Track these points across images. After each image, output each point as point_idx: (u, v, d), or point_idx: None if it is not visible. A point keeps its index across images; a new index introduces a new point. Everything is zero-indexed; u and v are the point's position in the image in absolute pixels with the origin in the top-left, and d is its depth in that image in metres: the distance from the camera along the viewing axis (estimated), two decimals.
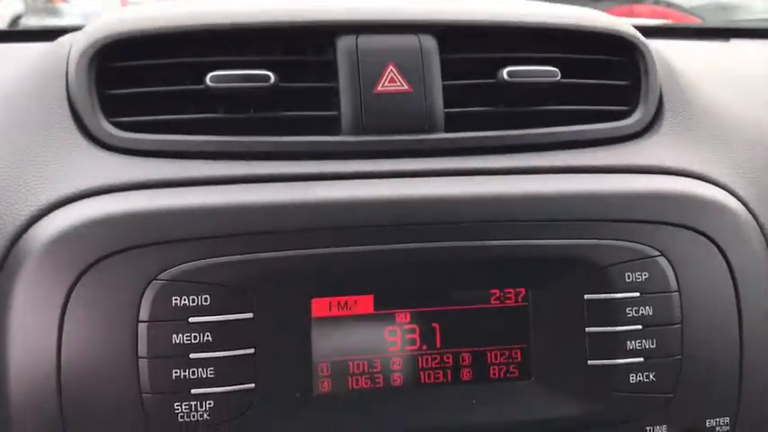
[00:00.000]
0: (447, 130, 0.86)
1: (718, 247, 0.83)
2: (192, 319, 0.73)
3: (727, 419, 0.83)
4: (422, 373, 0.79)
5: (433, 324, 0.79)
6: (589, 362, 0.79)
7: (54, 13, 3.78)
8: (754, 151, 0.94)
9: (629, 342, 0.80)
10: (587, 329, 0.80)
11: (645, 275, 0.80)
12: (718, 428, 0.83)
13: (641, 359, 0.80)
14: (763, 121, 1.00)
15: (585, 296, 0.80)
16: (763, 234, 0.87)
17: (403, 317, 0.79)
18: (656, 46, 0.98)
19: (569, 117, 0.91)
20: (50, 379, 0.72)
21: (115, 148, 0.82)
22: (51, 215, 0.76)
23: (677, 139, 0.92)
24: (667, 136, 0.92)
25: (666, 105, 0.95)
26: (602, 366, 0.80)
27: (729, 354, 0.83)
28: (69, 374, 0.73)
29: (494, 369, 0.80)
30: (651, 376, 0.80)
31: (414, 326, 0.79)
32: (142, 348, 0.73)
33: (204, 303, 0.73)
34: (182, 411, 0.73)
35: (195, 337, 0.73)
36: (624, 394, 0.80)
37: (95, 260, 0.73)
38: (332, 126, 0.85)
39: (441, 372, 0.79)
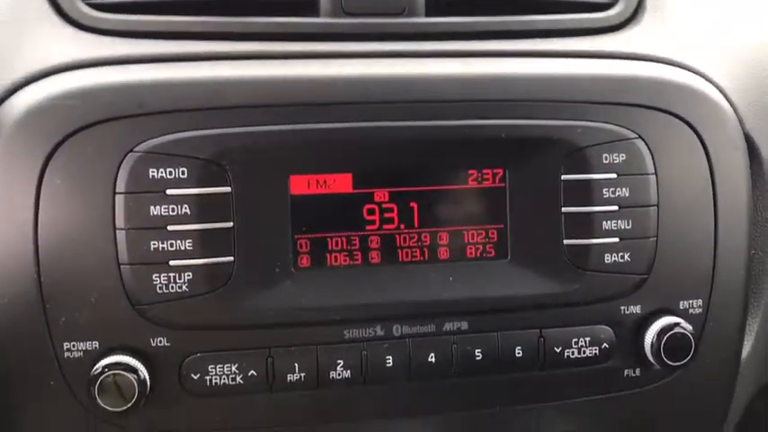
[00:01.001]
0: (428, 15, 0.86)
1: (696, 131, 0.84)
2: (169, 191, 0.73)
3: (700, 302, 0.84)
4: (399, 251, 0.80)
5: (411, 204, 0.80)
6: (565, 242, 0.80)
7: None
8: (733, 43, 0.94)
9: (604, 222, 0.81)
10: (563, 210, 0.80)
11: (622, 157, 0.81)
12: (691, 310, 0.84)
13: (617, 240, 0.81)
14: (743, 16, 1.00)
15: (562, 177, 0.80)
16: (741, 122, 0.88)
17: (381, 196, 0.79)
18: None
19: (552, 7, 0.90)
20: (28, 252, 0.73)
21: (91, 28, 0.81)
22: (27, 88, 0.75)
23: (657, 31, 0.92)
24: (648, 28, 0.92)
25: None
26: (577, 246, 0.81)
27: (704, 237, 0.84)
28: (47, 247, 0.73)
29: (470, 249, 0.81)
30: (626, 257, 0.81)
31: (392, 205, 0.79)
32: (119, 220, 0.73)
33: (181, 176, 0.73)
34: (160, 283, 0.74)
35: (173, 209, 0.74)
36: (599, 274, 0.81)
37: (72, 132, 0.72)
38: (310, 9, 0.84)
39: (418, 251, 0.80)
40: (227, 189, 0.75)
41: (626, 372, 0.83)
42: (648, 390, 0.84)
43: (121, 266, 0.73)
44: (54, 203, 0.73)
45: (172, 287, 0.74)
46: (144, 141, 0.73)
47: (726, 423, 0.90)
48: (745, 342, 0.91)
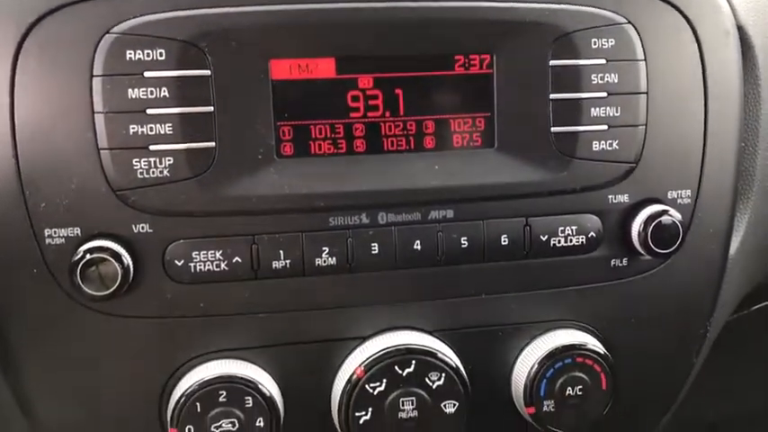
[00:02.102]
0: None
1: (687, 19, 0.82)
2: (147, 74, 0.72)
3: (688, 192, 0.84)
4: (385, 140, 0.78)
5: (397, 90, 0.78)
6: (552, 129, 0.79)
7: None
8: None
9: (593, 109, 0.79)
10: (551, 96, 0.79)
11: (611, 42, 0.79)
12: (679, 200, 0.84)
13: (605, 127, 0.80)
14: None
15: (550, 62, 0.78)
16: (734, 12, 0.86)
17: (366, 82, 0.77)
18: None
19: None
20: (5, 138, 0.71)
21: None
22: None
23: None
24: None
25: None
26: (565, 134, 0.79)
27: (694, 126, 0.83)
28: (24, 133, 0.72)
29: (457, 137, 0.79)
30: (614, 145, 0.80)
31: (377, 92, 0.78)
32: (97, 104, 0.71)
33: (160, 58, 0.72)
34: (141, 168, 0.72)
35: (152, 92, 0.72)
36: (586, 162, 0.80)
37: (45, 13, 0.70)
38: None
39: (404, 139, 0.79)
40: (207, 72, 0.73)
41: (613, 262, 0.83)
42: (635, 280, 0.84)
43: (101, 151, 0.72)
44: (30, 88, 0.71)
45: (153, 172, 0.73)
46: (120, 22, 0.71)
47: (711, 322, 0.90)
48: (734, 238, 0.92)
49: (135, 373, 0.77)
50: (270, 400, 0.75)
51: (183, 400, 0.74)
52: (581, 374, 0.81)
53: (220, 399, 0.74)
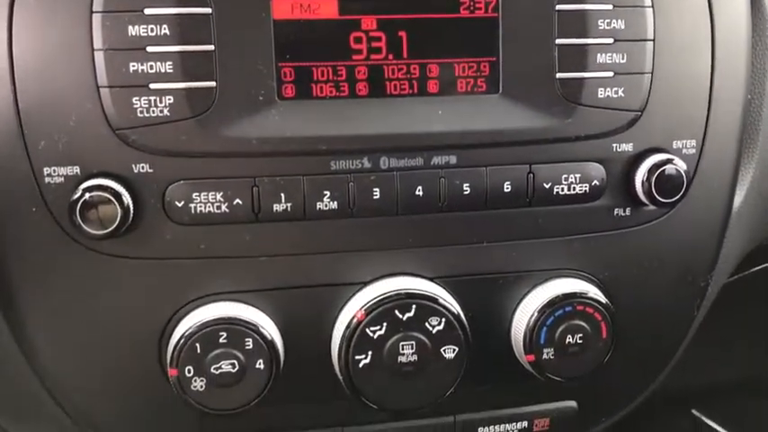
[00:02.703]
0: None
1: None
2: (147, 11, 0.70)
3: (693, 142, 0.83)
4: (388, 83, 0.77)
5: (400, 33, 0.77)
6: (558, 75, 0.78)
7: None
8: None
9: (599, 55, 0.78)
10: (557, 41, 0.78)
11: None
12: (684, 150, 0.83)
13: (611, 74, 0.79)
14: None
15: (557, 6, 0.77)
16: None
17: (369, 23, 0.76)
18: None
19: None
20: (3, 75, 0.71)
21: None
22: None
23: None
24: None
25: None
26: (570, 80, 0.78)
27: (700, 76, 0.82)
28: (23, 70, 0.71)
29: (461, 82, 0.78)
30: (620, 92, 0.79)
31: (380, 33, 0.76)
32: (97, 40, 0.70)
33: None
34: (140, 106, 0.72)
35: (152, 29, 0.71)
36: (591, 109, 0.79)
37: None
38: None
39: (407, 83, 0.78)
40: (208, 10, 0.72)
41: (616, 211, 0.83)
42: (638, 230, 0.83)
43: (100, 89, 0.71)
44: (28, 24, 0.70)
45: (153, 111, 0.72)
46: None
47: (713, 276, 0.90)
48: (737, 192, 0.91)
49: (135, 315, 0.77)
50: (270, 343, 0.75)
51: (182, 341, 0.74)
52: (581, 323, 0.81)
53: (220, 340, 0.74)
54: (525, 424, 0.88)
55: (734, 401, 2.55)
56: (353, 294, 0.79)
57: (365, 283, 0.79)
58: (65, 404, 0.81)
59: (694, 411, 2.54)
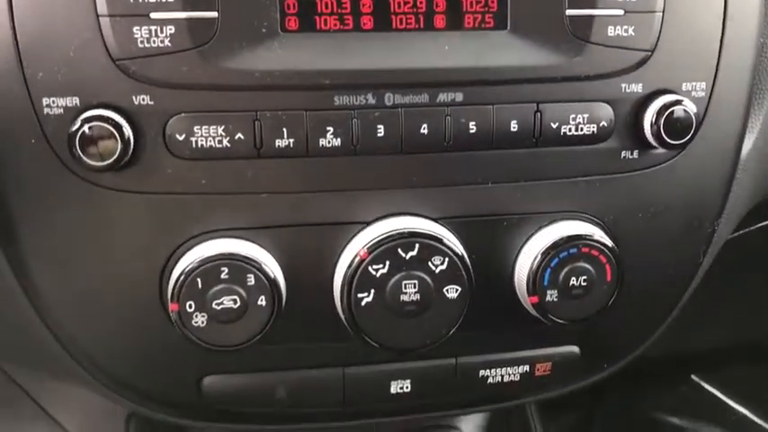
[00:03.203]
0: None
1: None
2: None
3: (703, 85, 0.82)
4: (393, 17, 0.75)
5: None
6: (567, 11, 0.76)
7: None
8: None
9: None
10: None
11: None
12: (693, 93, 0.81)
13: (621, 11, 0.77)
14: None
15: None
16: None
17: None
18: None
19: None
20: (2, 4, 0.69)
21: None
22: None
23: None
24: None
25: None
26: (580, 17, 0.76)
27: (712, 17, 0.80)
28: (21, 1, 0.69)
29: (468, 18, 0.76)
30: (630, 30, 0.78)
31: None
32: None
33: None
34: (141, 36, 0.70)
35: None
36: (601, 47, 0.77)
37: None
38: None
39: (413, 17, 0.76)
40: None
41: (623, 153, 0.81)
42: (645, 173, 0.82)
43: (100, 18, 0.69)
44: None
45: (153, 41, 0.70)
46: None
47: (719, 223, 0.89)
48: (746, 139, 0.90)
49: (136, 250, 0.76)
50: (272, 280, 0.74)
51: (183, 276, 0.73)
52: (586, 265, 0.80)
53: (222, 276, 0.74)
54: (527, 368, 0.88)
55: (733, 367, 2.57)
56: (356, 234, 0.78)
57: (368, 223, 0.78)
58: (66, 342, 0.81)
59: (694, 377, 2.56)
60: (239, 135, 0.73)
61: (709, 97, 0.82)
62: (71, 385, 0.95)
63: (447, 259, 0.77)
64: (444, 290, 0.78)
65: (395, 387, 0.86)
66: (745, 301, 1.58)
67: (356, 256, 0.76)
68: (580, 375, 0.93)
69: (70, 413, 1.32)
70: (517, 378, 0.88)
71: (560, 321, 0.81)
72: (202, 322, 0.75)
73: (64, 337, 0.80)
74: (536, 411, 1.23)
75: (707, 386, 2.53)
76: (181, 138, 0.73)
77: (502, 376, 0.87)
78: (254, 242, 0.77)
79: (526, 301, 0.81)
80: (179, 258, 0.76)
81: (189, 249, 0.76)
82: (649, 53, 0.79)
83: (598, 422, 2.44)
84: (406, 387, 0.86)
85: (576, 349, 0.90)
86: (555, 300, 0.81)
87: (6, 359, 0.96)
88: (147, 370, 0.82)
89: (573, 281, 0.80)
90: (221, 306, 0.74)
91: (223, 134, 0.73)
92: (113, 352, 0.81)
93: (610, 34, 0.77)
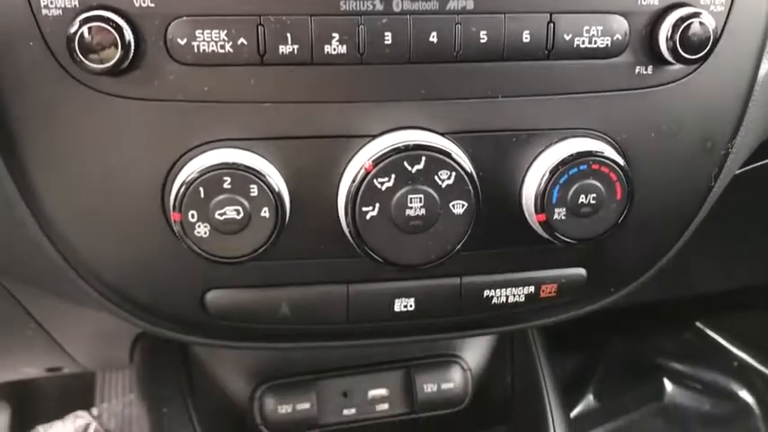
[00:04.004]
0: None
1: None
2: None
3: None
4: None
5: None
6: None
7: None
8: None
9: None
10: None
11: None
12: (712, 6, 0.78)
13: None
14: None
15: None
16: None
17: None
18: None
19: None
20: None
21: None
22: None
23: None
24: None
25: None
26: None
27: None
28: None
29: None
30: None
31: None
32: None
33: None
34: None
35: None
36: None
37: None
38: None
39: None
40: None
41: (638, 69, 0.79)
42: (659, 90, 0.80)
43: None
44: None
45: None
46: None
47: (733, 146, 0.87)
48: (765, 60, 0.87)
49: (136, 159, 0.75)
50: (275, 191, 0.73)
51: (185, 185, 0.72)
52: (596, 182, 0.78)
53: (224, 185, 0.72)
54: (532, 289, 0.87)
55: (737, 314, 2.58)
56: (362, 147, 0.76)
57: (374, 136, 0.77)
58: (69, 255, 0.80)
59: (698, 324, 2.57)
60: (242, 40, 0.71)
61: (729, 12, 0.79)
62: (76, 306, 0.96)
63: (454, 174, 0.75)
64: (450, 205, 0.76)
65: (399, 305, 0.85)
66: (747, 244, 1.57)
67: (361, 168, 0.75)
68: (586, 299, 0.92)
69: (75, 340, 1.33)
70: (522, 299, 0.87)
71: (568, 241, 0.80)
72: (205, 233, 0.74)
73: (67, 250, 0.80)
74: (541, 350, 1.22)
75: (710, 332, 2.54)
76: (182, 42, 0.71)
77: (507, 297, 0.87)
78: (257, 153, 0.75)
79: (533, 219, 0.80)
80: (181, 168, 0.74)
81: (191, 159, 0.74)
82: None
83: (601, 367, 2.47)
84: (410, 306, 0.86)
85: (582, 271, 0.89)
86: (563, 218, 0.79)
87: (11, 277, 0.96)
88: (150, 284, 0.82)
89: (582, 198, 0.78)
90: (224, 217, 0.73)
91: (225, 39, 0.71)
92: (117, 265, 0.81)
93: None
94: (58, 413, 2.02)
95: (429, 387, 1.17)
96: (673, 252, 0.93)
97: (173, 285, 0.82)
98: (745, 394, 2.41)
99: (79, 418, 1.99)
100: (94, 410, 2.00)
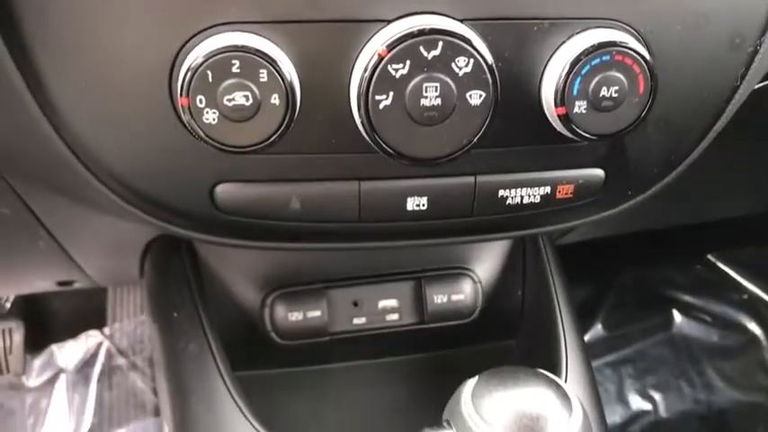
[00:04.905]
0: None
1: None
2: None
3: None
4: None
5: None
6: None
7: None
8: None
9: None
10: None
11: None
12: None
13: None
14: None
15: None
16: None
17: None
18: None
19: None
20: None
21: None
22: None
23: None
24: None
25: None
26: None
27: None
28: None
29: None
30: None
31: None
32: None
33: None
34: None
35: None
36: None
37: None
38: None
39: None
40: None
41: None
42: None
43: None
44: None
45: None
46: None
47: (760, 46, 0.83)
48: None
49: (143, 42, 0.72)
50: (285, 77, 0.71)
51: (192, 68, 0.69)
52: (618, 75, 0.75)
53: (233, 69, 0.70)
54: (548, 190, 0.85)
55: (749, 248, 2.56)
56: (376, 32, 0.73)
57: (389, 21, 0.73)
58: (74, 145, 0.78)
59: (710, 256, 2.56)
60: None
61: None
62: (85, 211, 0.95)
63: (472, 61, 0.72)
64: (467, 95, 0.74)
65: (411, 204, 0.84)
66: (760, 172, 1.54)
67: (374, 54, 0.71)
68: (603, 203, 0.90)
69: (86, 253, 1.33)
70: (537, 200, 0.85)
71: (587, 136, 0.77)
72: (214, 120, 0.71)
73: (72, 140, 0.78)
74: (554, 266, 1.21)
75: (722, 265, 2.54)
76: None
77: (522, 197, 0.85)
78: (267, 38, 0.73)
79: (553, 113, 0.77)
80: (188, 53, 0.71)
81: (198, 43, 0.71)
82: None
83: (611, 297, 2.48)
84: (423, 205, 0.84)
85: (600, 172, 0.86)
86: (583, 112, 0.76)
87: (18, 173, 0.94)
88: (159, 175, 0.80)
89: (603, 91, 0.75)
90: (233, 102, 0.71)
91: None
92: (124, 156, 0.79)
93: None
94: (71, 333, 2.05)
95: (439, 298, 1.16)
96: (693, 157, 0.90)
97: (182, 177, 0.80)
98: (753, 326, 2.42)
99: (91, 337, 2.03)
100: (106, 330, 2.03)
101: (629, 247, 2.41)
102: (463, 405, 0.66)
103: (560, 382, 0.69)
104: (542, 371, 0.71)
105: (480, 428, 0.63)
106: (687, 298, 2.49)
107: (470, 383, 0.68)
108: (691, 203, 1.70)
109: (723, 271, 2.55)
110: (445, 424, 0.68)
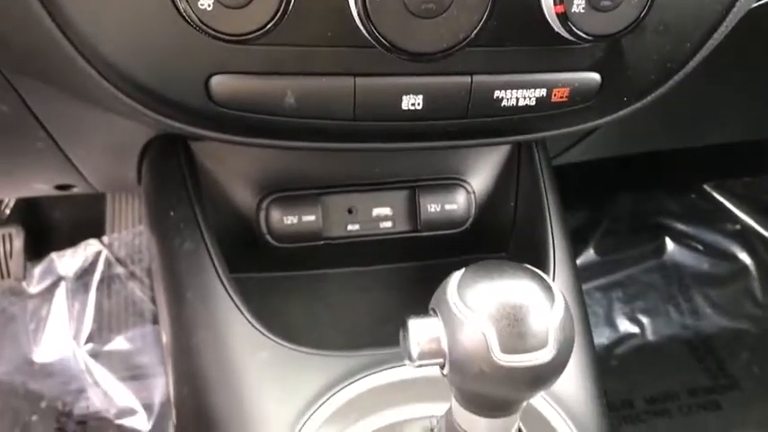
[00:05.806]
0: None
1: None
2: None
3: None
4: None
5: None
6: None
7: None
8: None
9: None
10: None
11: None
12: None
13: None
14: None
15: None
16: None
17: None
18: None
19: None
20: None
21: None
22: None
23: None
24: None
25: None
26: None
27: None
28: None
29: None
30: None
31: None
32: None
33: None
34: None
35: None
36: None
37: None
38: None
39: None
40: None
41: None
42: None
43: None
44: None
45: None
46: None
47: None
48: None
49: None
50: None
51: None
52: None
53: None
54: (544, 92, 0.85)
55: (744, 178, 2.57)
56: None
57: None
58: (67, 28, 0.78)
59: (705, 186, 2.57)
60: None
61: None
62: (81, 107, 0.95)
63: None
64: None
65: (406, 102, 0.84)
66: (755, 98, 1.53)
67: None
68: (598, 109, 0.90)
69: (85, 156, 1.34)
70: (533, 102, 0.85)
71: (585, 36, 0.77)
72: (209, 5, 0.71)
73: (67, 25, 0.77)
74: (548, 179, 1.21)
75: (716, 195, 2.55)
76: None
77: (517, 99, 0.85)
78: None
79: (551, 11, 0.76)
80: None
81: None
82: None
83: (604, 223, 2.50)
84: (418, 104, 0.84)
85: (596, 76, 0.86)
86: (582, 11, 0.76)
87: (9, 63, 0.93)
88: (155, 64, 0.80)
89: None
90: None
91: None
92: (119, 42, 0.78)
93: None
94: (71, 242, 2.08)
95: (433, 207, 1.17)
96: (691, 65, 0.90)
97: (177, 67, 0.80)
98: (744, 256, 2.45)
99: (90, 246, 2.06)
100: (105, 239, 2.06)
101: (625, 174, 2.42)
102: (449, 294, 0.68)
103: (545, 276, 0.70)
104: (528, 266, 0.73)
105: (464, 315, 0.66)
106: (680, 226, 2.52)
107: (457, 275, 0.70)
108: (685, 128, 1.70)
109: (718, 201, 2.57)
110: (431, 312, 0.70)
